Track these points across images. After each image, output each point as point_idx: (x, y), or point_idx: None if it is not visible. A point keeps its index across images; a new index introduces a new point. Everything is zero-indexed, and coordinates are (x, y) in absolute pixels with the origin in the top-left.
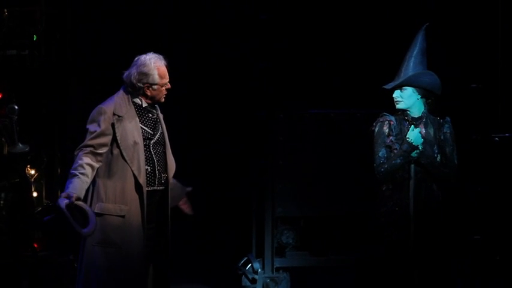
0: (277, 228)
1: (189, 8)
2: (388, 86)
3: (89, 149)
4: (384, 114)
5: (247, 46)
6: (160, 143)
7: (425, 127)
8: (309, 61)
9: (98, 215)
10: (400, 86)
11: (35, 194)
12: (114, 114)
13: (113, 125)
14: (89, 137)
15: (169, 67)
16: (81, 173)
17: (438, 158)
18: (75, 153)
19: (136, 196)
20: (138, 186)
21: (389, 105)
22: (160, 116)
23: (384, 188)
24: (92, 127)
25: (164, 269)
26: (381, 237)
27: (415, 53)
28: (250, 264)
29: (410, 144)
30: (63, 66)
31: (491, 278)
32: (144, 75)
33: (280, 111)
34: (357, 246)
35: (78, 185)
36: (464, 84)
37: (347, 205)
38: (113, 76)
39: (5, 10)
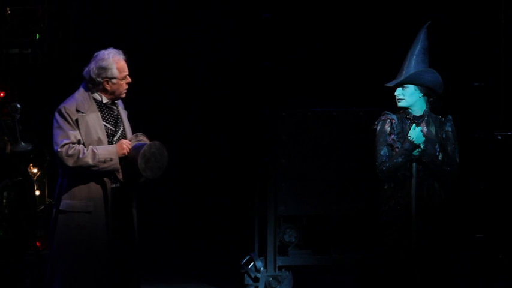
0: (279, 226)
1: (191, 6)
2: (390, 84)
3: (71, 144)
4: (386, 113)
5: (250, 44)
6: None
7: (427, 125)
8: (311, 59)
9: (63, 212)
10: (402, 84)
11: (37, 193)
12: (77, 111)
13: (76, 121)
14: (61, 135)
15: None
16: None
17: (440, 157)
18: (58, 150)
19: (101, 193)
20: (102, 183)
21: (391, 103)
22: (123, 112)
23: (385, 187)
24: (63, 125)
25: (132, 268)
26: (383, 235)
27: (417, 51)
28: (252, 263)
29: (412, 142)
30: (66, 65)
31: (494, 277)
32: (102, 69)
33: (282, 109)
34: (359, 245)
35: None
36: (467, 82)
37: (349, 204)
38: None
39: (8, 9)
